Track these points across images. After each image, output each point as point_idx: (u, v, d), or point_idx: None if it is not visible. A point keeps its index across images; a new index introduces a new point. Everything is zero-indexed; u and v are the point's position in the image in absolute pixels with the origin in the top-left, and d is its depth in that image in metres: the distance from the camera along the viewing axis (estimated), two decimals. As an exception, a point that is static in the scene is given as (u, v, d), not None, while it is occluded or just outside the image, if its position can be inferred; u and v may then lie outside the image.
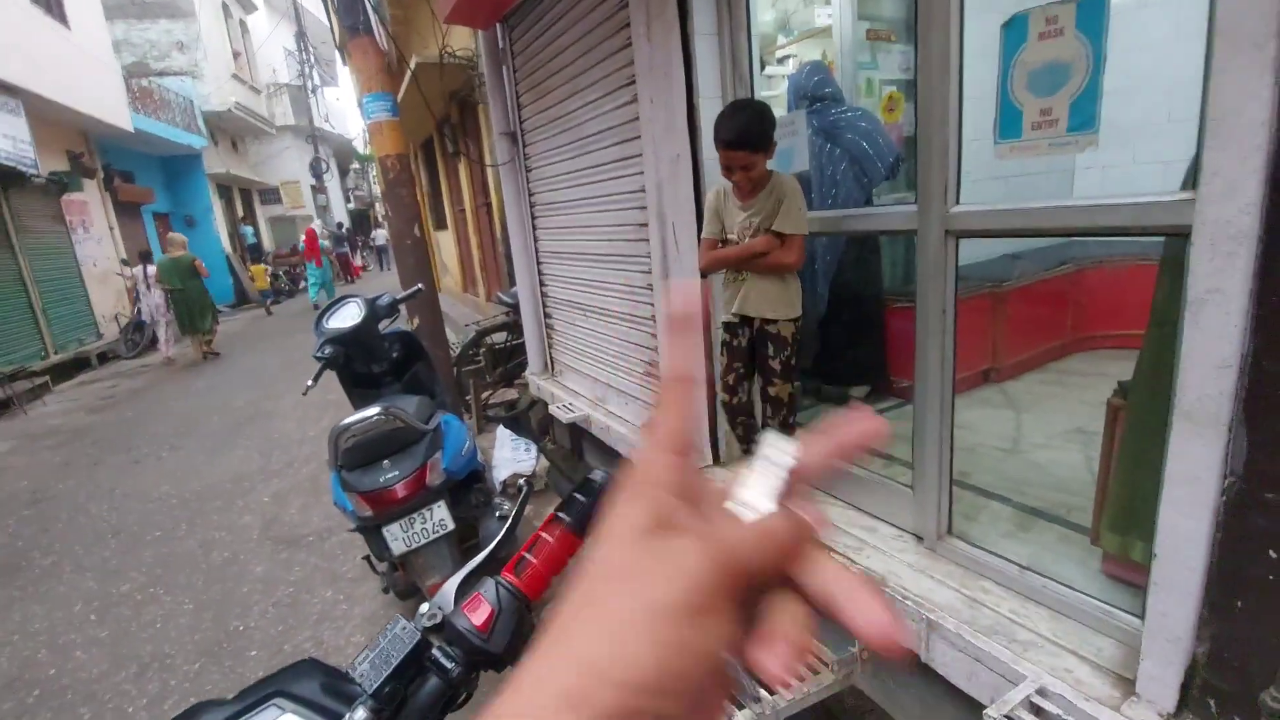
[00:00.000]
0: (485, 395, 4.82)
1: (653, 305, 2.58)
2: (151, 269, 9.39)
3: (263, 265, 16.16)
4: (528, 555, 0.66)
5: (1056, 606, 1.44)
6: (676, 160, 2.20)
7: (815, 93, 2.54)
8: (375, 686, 0.55)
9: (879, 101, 2.79)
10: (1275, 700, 1.03)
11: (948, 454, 1.63)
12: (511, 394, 4.96)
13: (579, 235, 3.18)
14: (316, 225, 19.45)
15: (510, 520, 0.73)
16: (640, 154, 2.44)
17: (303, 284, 16.10)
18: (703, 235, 2.08)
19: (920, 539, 1.74)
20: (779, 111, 2.62)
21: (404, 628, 0.58)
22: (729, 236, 2.00)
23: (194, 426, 6.07)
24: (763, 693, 1.63)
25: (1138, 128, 3.03)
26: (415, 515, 2.09)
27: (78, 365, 9.67)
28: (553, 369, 3.95)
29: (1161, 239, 1.27)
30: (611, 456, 3.16)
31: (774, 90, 3.74)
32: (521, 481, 1.55)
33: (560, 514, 0.69)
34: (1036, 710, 1.27)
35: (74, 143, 10.95)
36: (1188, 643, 1.12)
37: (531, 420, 4.58)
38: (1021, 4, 1.22)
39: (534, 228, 3.74)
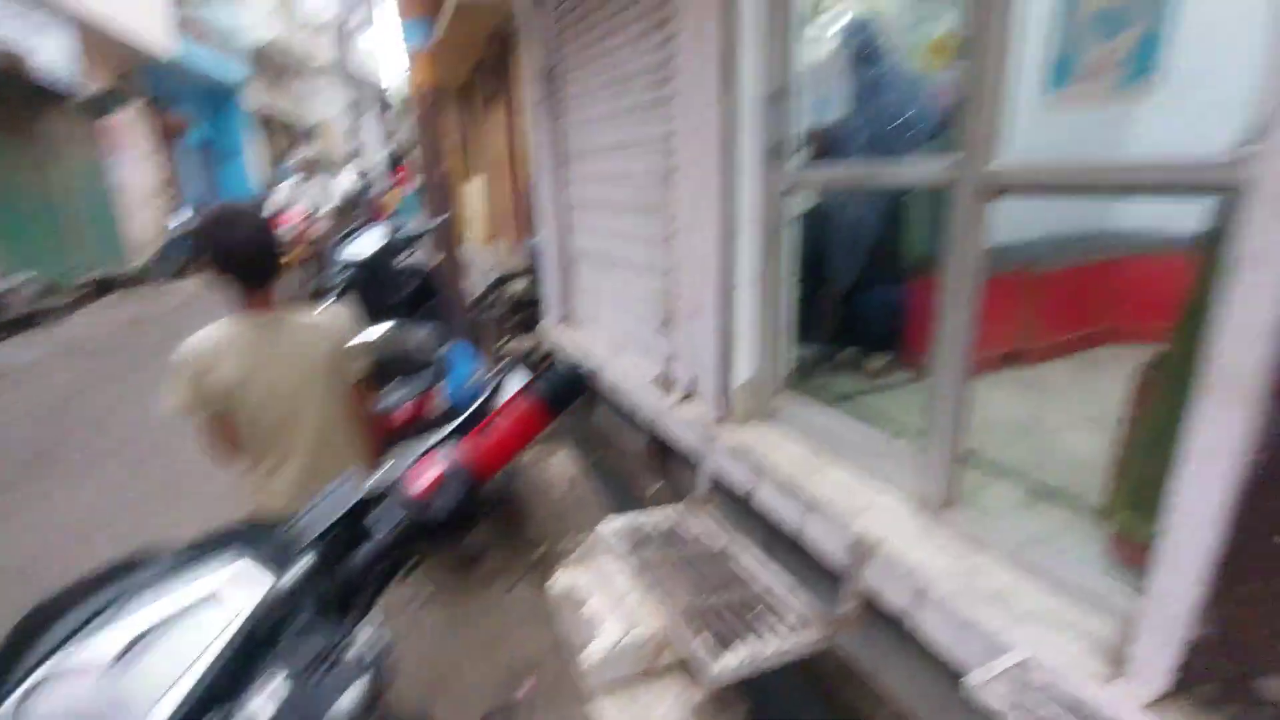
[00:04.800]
0: (500, 342, 4.83)
1: (673, 256, 2.53)
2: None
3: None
4: (485, 431, 0.65)
5: (1056, 582, 1.41)
6: (709, 105, 2.12)
7: (861, 48, 2.44)
8: (312, 539, 0.54)
9: (928, 55, 2.67)
10: (1274, 689, 0.99)
11: (959, 422, 1.58)
12: (527, 343, 4.97)
13: (605, 183, 3.12)
14: (351, 167, 19.51)
15: (485, 396, 0.71)
16: (673, 98, 2.37)
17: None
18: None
19: (923, 506, 1.71)
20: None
21: (346, 487, 0.57)
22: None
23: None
24: (738, 643, 1.64)
25: (1221, 105, 2.86)
26: (414, 442, 2.10)
27: (105, 287, 9.88)
28: (569, 319, 3.93)
29: (1199, 231, 1.19)
30: (620, 409, 3.15)
31: (824, 46, 3.60)
32: (504, 361, 1.52)
33: (532, 386, 0.67)
34: (1019, 682, 1.25)
35: (117, 66, 11.00)
36: (1187, 624, 1.09)
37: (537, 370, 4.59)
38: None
39: (562, 174, 3.69)
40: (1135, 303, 2.92)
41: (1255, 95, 0.91)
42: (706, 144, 2.17)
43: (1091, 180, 1.21)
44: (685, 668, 1.79)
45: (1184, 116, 2.89)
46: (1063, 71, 1.17)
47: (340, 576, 0.55)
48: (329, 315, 1.78)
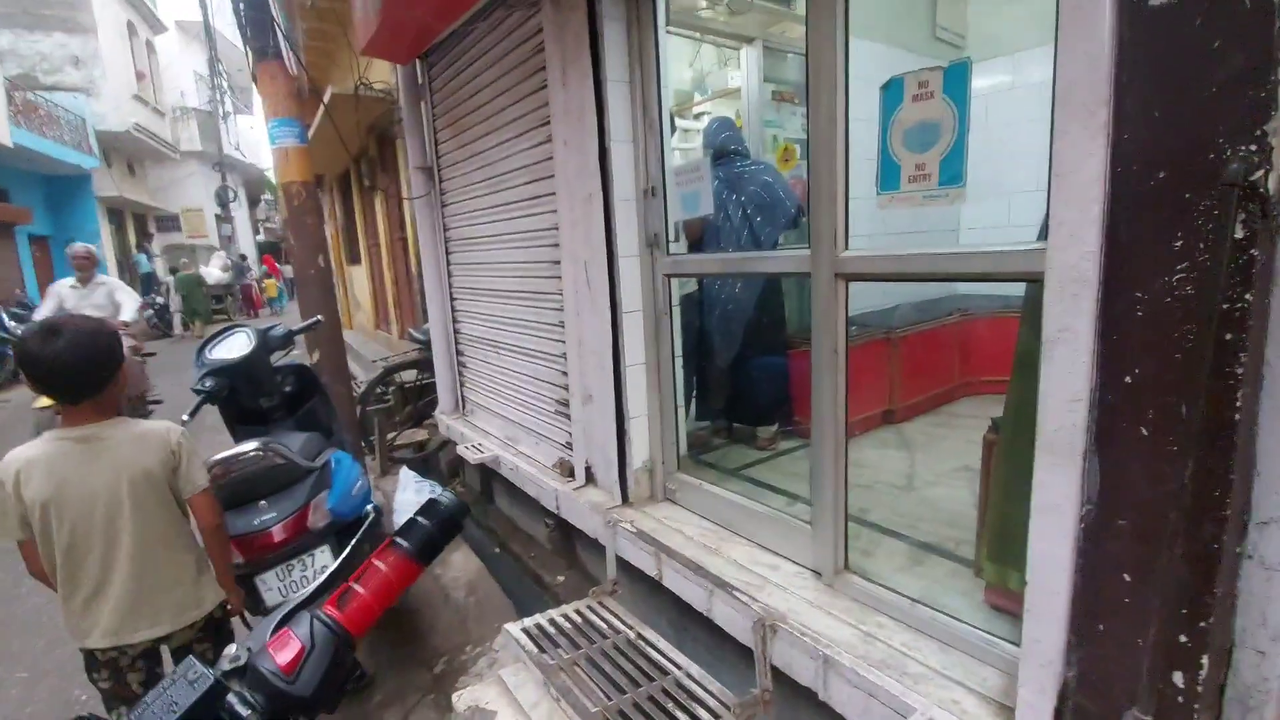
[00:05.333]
0: (392, 435, 4.59)
1: (564, 342, 2.56)
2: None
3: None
4: (355, 586, 0.60)
5: (945, 638, 1.48)
6: (589, 200, 2.22)
7: (723, 146, 2.67)
8: None
9: (777, 160, 2.96)
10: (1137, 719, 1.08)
11: (842, 490, 1.67)
12: (421, 434, 4.76)
13: (493, 271, 3.14)
14: (220, 256, 18.40)
15: (348, 549, 0.67)
16: (554, 193, 2.45)
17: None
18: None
19: (819, 575, 1.76)
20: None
21: (195, 671, 0.51)
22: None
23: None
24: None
25: (1019, 193, 3.35)
26: (294, 562, 1.91)
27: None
28: (463, 408, 3.82)
29: (1021, 299, 1.38)
30: (521, 498, 3.06)
31: (689, 143, 3.90)
32: (369, 508, 1.43)
33: (398, 539, 0.64)
34: (926, 744, 1.29)
35: (-64, 155, 9.93)
36: (1059, 667, 1.17)
37: (441, 461, 4.39)
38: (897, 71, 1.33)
39: (448, 263, 3.67)
40: (986, 358, 3.27)
41: (1042, 196, 1.08)
42: (589, 235, 2.26)
43: (926, 268, 1.37)
44: (603, 778, 1.69)
45: (992, 211, 3.40)
46: (889, 177, 1.33)
47: None
48: (159, 428, 1.64)
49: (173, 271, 15.48)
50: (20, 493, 1.49)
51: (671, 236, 2.17)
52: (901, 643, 1.50)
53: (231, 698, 0.51)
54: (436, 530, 0.66)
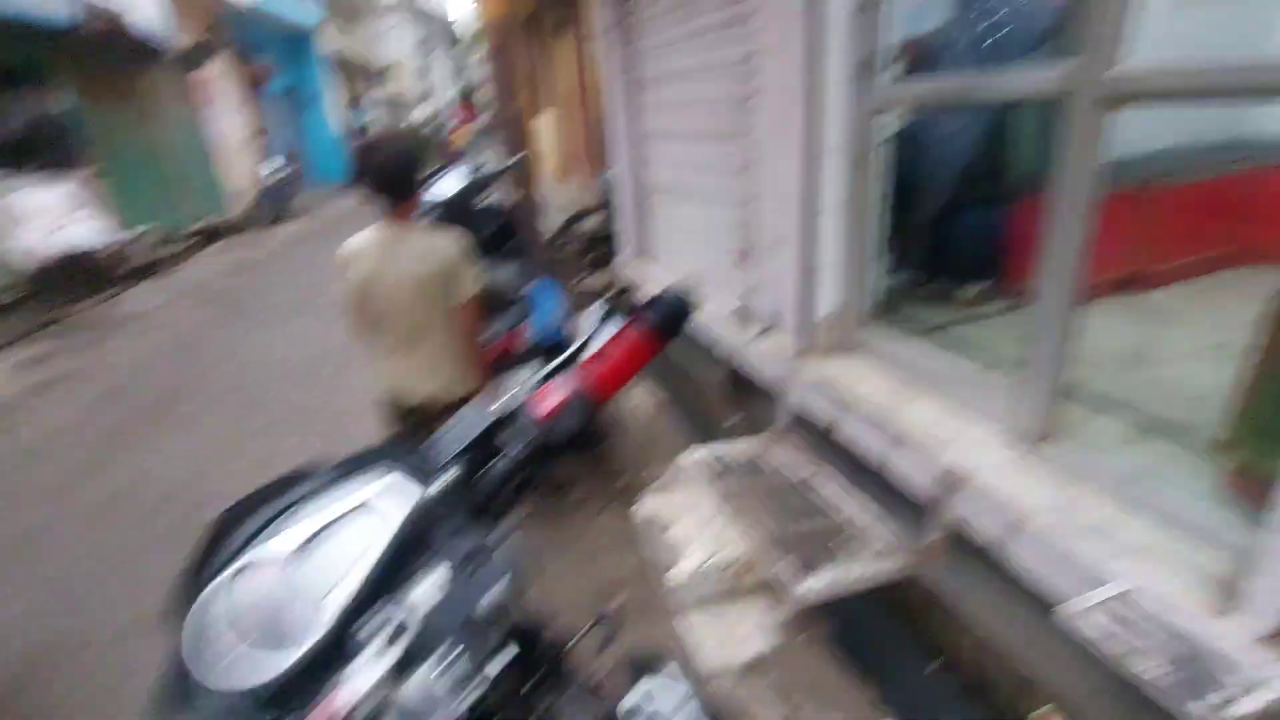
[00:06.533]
0: (575, 279, 4.89)
1: (752, 185, 2.46)
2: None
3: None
4: (606, 351, 0.69)
5: (1162, 516, 1.35)
6: (794, 16, 2.00)
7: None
8: (452, 456, 0.60)
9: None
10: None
11: (1065, 351, 1.51)
12: (601, 280, 5.02)
13: (679, 112, 3.04)
14: (422, 109, 19.73)
15: (600, 320, 0.75)
16: (753, 13, 2.24)
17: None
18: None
19: (1017, 440, 1.66)
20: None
21: (477, 412, 0.64)
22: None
23: (318, 295, 6.55)
24: (822, 567, 1.68)
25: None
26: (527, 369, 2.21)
27: (211, 236, 10.60)
28: (645, 254, 3.92)
29: None
30: (697, 345, 3.17)
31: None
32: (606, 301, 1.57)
33: (645, 311, 0.70)
34: (1119, 613, 1.23)
35: (204, 18, 11.39)
36: (1313, 561, 1.03)
37: (621, 306, 4.63)
38: None
39: (635, 104, 3.61)
40: (1277, 219, 2.61)
41: None
42: (790, 62, 2.06)
43: (1236, 82, 1.08)
44: (768, 589, 1.86)
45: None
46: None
47: (480, 489, 0.62)
48: (443, 241, 2.00)
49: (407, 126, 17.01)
50: (347, 269, 1.94)
51: (889, 60, 1.91)
52: (1106, 515, 1.40)
53: (505, 435, 0.64)
54: (673, 310, 0.72)
